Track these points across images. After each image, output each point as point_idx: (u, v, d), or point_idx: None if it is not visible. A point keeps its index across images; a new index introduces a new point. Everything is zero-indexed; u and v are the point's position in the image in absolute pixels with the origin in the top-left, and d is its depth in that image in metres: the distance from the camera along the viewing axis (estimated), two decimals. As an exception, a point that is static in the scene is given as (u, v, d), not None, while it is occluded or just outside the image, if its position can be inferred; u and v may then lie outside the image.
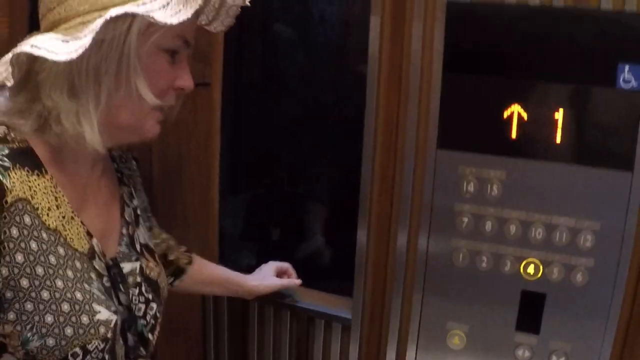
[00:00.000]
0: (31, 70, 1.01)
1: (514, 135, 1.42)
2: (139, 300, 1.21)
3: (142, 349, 1.22)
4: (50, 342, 1.02)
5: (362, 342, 1.67)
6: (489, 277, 1.50)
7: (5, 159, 1.00)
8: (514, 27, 1.39)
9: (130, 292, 1.19)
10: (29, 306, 1.00)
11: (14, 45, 0.97)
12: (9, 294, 0.99)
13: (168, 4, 1.00)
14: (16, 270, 0.99)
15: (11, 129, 1.04)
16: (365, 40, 1.51)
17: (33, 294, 1.00)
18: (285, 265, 1.79)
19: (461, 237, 1.50)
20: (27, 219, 1.01)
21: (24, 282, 0.99)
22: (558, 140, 1.39)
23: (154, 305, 1.24)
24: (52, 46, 0.95)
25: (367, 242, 1.61)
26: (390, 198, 1.55)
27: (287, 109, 1.93)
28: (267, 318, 1.83)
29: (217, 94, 1.71)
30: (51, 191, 1.05)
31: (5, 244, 0.97)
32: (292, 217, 2.01)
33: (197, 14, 1.11)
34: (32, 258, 1.00)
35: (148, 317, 1.23)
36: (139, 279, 1.21)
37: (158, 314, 1.26)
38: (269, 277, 1.74)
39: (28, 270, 1.00)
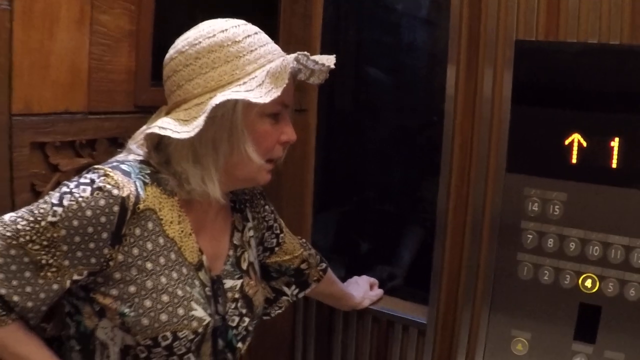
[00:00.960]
0: (162, 141, 1.29)
1: (574, 160, 1.54)
2: (233, 313, 1.43)
3: (229, 354, 1.43)
4: (145, 321, 1.25)
5: (436, 346, 1.81)
6: (550, 289, 1.61)
7: (147, 176, 1.27)
8: (575, 63, 1.53)
9: (228, 305, 1.41)
10: (132, 289, 1.25)
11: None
12: (117, 275, 1.24)
13: (263, 82, 1.24)
14: (130, 260, 1.24)
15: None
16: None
17: (138, 281, 1.25)
18: (373, 279, 2.00)
19: (525, 252, 1.63)
20: (150, 225, 1.26)
21: (133, 271, 1.25)
22: (614, 165, 1.51)
23: (246, 319, 1.46)
24: (175, 126, 1.23)
25: (442, 255, 1.76)
26: (464, 216, 1.71)
27: (374, 134, 2.13)
28: (350, 322, 2.01)
29: (313, 118, 1.92)
30: (177, 210, 1.31)
31: (128, 237, 1.23)
32: (376, 232, 2.19)
33: (293, 77, 1.34)
34: (145, 254, 1.26)
35: (240, 329, 1.44)
36: (237, 295, 1.43)
37: (250, 327, 1.48)
38: (368, 291, 1.97)
39: (139, 262, 1.25)
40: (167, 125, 1.24)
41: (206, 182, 1.29)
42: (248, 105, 1.24)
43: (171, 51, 1.32)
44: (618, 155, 1.51)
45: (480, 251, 1.70)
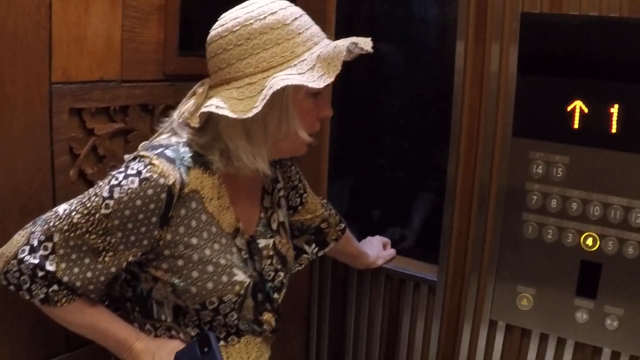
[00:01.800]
0: (211, 118, 1.37)
1: (576, 125, 1.62)
2: (269, 269, 1.55)
3: (268, 304, 1.55)
4: (193, 289, 1.38)
5: (445, 302, 1.91)
6: (553, 247, 1.70)
7: (190, 160, 1.37)
8: (577, 35, 1.60)
9: (264, 262, 1.53)
10: (180, 262, 1.37)
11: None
12: (166, 252, 1.36)
13: (314, 66, 1.31)
14: (177, 238, 1.36)
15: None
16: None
17: (185, 256, 1.37)
18: (386, 239, 2.11)
19: (530, 212, 1.71)
20: (193, 204, 1.37)
21: (181, 247, 1.36)
22: (613, 130, 1.58)
23: (281, 273, 1.58)
24: (231, 105, 1.31)
25: (451, 216, 1.85)
26: (472, 179, 1.80)
27: (388, 104, 2.22)
28: (364, 280, 2.12)
29: (329, 87, 1.98)
30: (217, 187, 1.41)
31: (175, 218, 1.35)
32: (390, 198, 2.29)
33: None
34: (190, 231, 1.37)
35: (276, 282, 1.57)
36: (271, 253, 1.55)
37: (284, 280, 1.60)
38: (381, 251, 2.07)
39: (186, 239, 1.37)
40: (222, 105, 1.31)
41: (257, 158, 1.37)
42: (298, 85, 1.30)
43: (219, 29, 1.36)
44: (617, 121, 1.58)
45: (487, 212, 1.78)
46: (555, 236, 1.70)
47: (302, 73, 1.29)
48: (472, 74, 1.76)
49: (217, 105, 1.31)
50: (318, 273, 2.22)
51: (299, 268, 1.85)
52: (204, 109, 1.33)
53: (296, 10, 1.38)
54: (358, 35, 1.37)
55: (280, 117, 1.35)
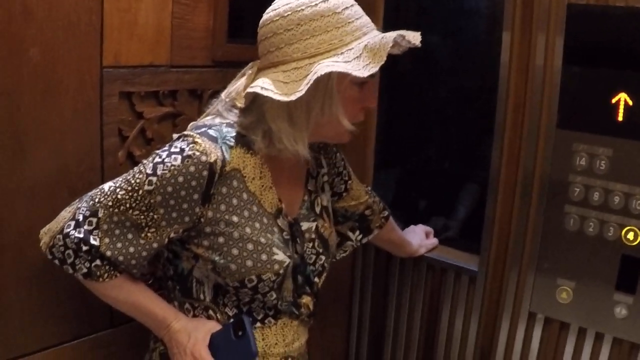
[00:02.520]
0: (256, 99, 1.39)
1: (620, 118, 1.60)
2: (311, 252, 1.57)
3: (307, 287, 1.58)
4: (233, 267, 1.41)
5: (486, 292, 1.91)
6: (594, 241, 1.68)
7: (232, 139, 1.41)
8: (622, 26, 1.58)
9: (305, 245, 1.56)
10: (221, 240, 1.41)
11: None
12: (207, 229, 1.40)
13: (360, 55, 1.32)
14: (218, 215, 1.40)
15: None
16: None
17: (226, 233, 1.40)
18: (429, 228, 2.12)
19: (572, 205, 1.70)
20: (235, 183, 1.41)
21: (222, 224, 1.40)
22: None
23: (322, 257, 1.60)
24: (277, 88, 1.33)
25: (494, 206, 1.85)
26: (516, 170, 1.79)
27: (434, 95, 2.22)
28: (406, 269, 2.14)
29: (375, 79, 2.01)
30: (259, 167, 1.45)
31: (216, 195, 1.39)
32: (434, 188, 2.30)
33: None
34: (231, 209, 1.41)
35: (317, 265, 1.59)
36: (313, 236, 1.58)
37: (326, 264, 1.62)
38: (424, 239, 2.09)
39: (227, 217, 1.40)
40: (268, 86, 1.34)
41: (297, 141, 1.40)
42: (343, 73, 1.32)
43: (271, 13, 1.38)
44: (662, 113, 1.55)
45: (530, 203, 1.78)
46: (596, 229, 1.68)
47: (348, 61, 1.31)
48: (518, 65, 1.75)
49: (262, 86, 1.34)
50: (361, 260, 2.25)
51: (343, 255, 1.88)
52: (249, 90, 1.37)
53: (347, 0, 1.39)
54: (405, 28, 1.38)
55: (324, 103, 1.37)
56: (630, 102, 1.59)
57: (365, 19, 1.41)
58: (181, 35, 1.68)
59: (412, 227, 2.14)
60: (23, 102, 1.43)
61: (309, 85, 1.29)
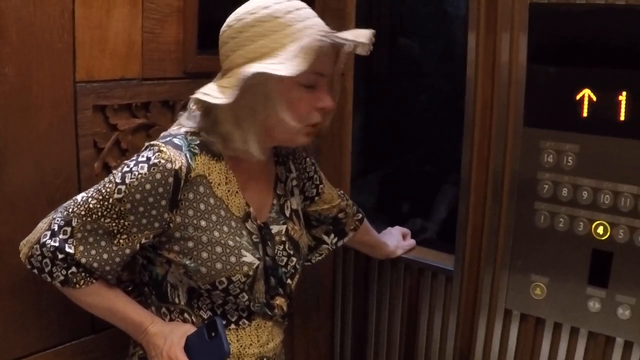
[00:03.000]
0: (209, 105, 1.43)
1: (585, 114, 1.62)
2: (282, 254, 1.61)
3: (280, 289, 1.61)
4: (203, 270, 1.45)
5: (462, 290, 1.94)
6: (565, 236, 1.70)
7: (196, 147, 1.45)
8: (584, 23, 1.60)
9: (276, 247, 1.59)
10: (190, 244, 1.44)
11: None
12: (177, 234, 1.44)
13: (295, 56, 1.35)
14: (186, 220, 1.44)
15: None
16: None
17: (195, 237, 1.44)
18: (406, 229, 2.15)
19: (542, 201, 1.72)
20: (201, 189, 1.45)
21: (190, 229, 1.44)
22: (622, 118, 1.58)
23: (294, 259, 1.63)
24: (218, 92, 1.39)
25: (466, 206, 1.88)
26: (486, 169, 1.82)
27: (410, 97, 2.25)
28: (385, 270, 2.18)
29: (350, 82, 2.05)
30: (224, 172, 1.49)
31: (183, 201, 1.43)
32: (413, 190, 2.33)
33: (335, 49, 1.46)
34: (199, 214, 1.45)
35: (288, 267, 1.62)
36: (284, 238, 1.61)
37: (297, 266, 1.65)
38: (401, 241, 2.12)
39: (195, 221, 1.44)
40: (208, 92, 1.40)
41: (247, 142, 1.44)
42: (282, 75, 1.35)
43: (224, 25, 1.45)
44: (626, 108, 1.57)
45: (500, 201, 1.80)
46: (566, 225, 1.70)
47: (282, 63, 1.34)
48: (484, 65, 1.78)
49: (203, 92, 1.41)
50: (341, 263, 2.28)
51: (320, 258, 1.91)
52: (193, 95, 1.44)
53: (293, 4, 1.43)
54: (378, 31, 1.42)
55: (266, 105, 1.41)
56: (594, 98, 1.62)
57: (313, 21, 1.44)
58: (152, 49, 1.72)
59: (389, 229, 2.17)
60: (0, 118, 1.47)
61: (235, 88, 1.35)
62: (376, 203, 2.35)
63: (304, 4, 1.46)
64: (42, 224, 1.46)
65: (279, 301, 1.60)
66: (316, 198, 1.82)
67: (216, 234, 1.45)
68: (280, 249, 1.60)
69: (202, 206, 1.44)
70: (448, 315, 2.01)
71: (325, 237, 1.89)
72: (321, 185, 1.82)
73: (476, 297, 1.91)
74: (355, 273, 2.26)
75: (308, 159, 1.77)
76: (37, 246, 1.42)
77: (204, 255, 1.44)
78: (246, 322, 1.56)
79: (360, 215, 1.94)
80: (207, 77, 1.57)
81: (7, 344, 1.57)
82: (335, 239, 1.90)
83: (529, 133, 1.73)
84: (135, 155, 1.44)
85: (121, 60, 1.67)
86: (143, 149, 1.45)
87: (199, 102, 1.45)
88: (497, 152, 1.79)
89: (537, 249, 1.76)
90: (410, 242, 2.15)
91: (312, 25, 1.42)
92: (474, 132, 1.82)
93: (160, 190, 1.38)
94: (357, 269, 2.25)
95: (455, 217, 1.94)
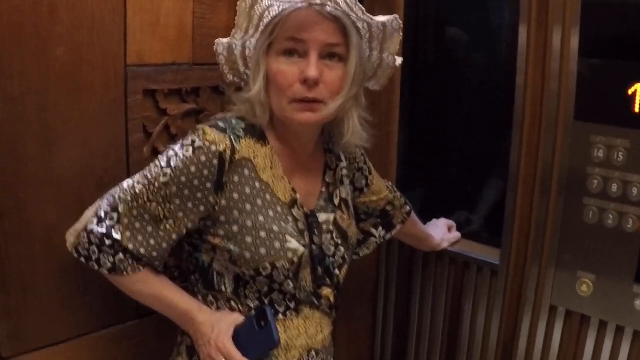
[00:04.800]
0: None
1: (637, 109, 1.59)
2: (330, 243, 1.60)
3: (327, 279, 1.60)
4: (247, 255, 1.45)
5: (507, 285, 1.91)
6: (613, 233, 1.67)
7: (241, 130, 1.47)
8: (637, 17, 1.57)
9: (323, 236, 1.59)
10: (235, 228, 1.45)
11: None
12: (222, 218, 1.45)
13: (253, 25, 1.44)
14: (232, 204, 1.45)
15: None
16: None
17: (240, 221, 1.45)
18: (451, 222, 2.14)
19: (591, 197, 1.70)
20: (246, 172, 1.46)
21: (235, 213, 1.45)
22: None
23: (342, 248, 1.63)
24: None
25: (514, 199, 1.85)
26: (535, 163, 1.80)
27: (458, 89, 2.23)
28: (430, 263, 2.16)
29: (397, 73, 2.06)
30: (269, 157, 1.50)
31: (229, 184, 1.44)
32: (457, 182, 2.31)
33: (322, 15, 1.39)
34: (244, 197, 1.46)
35: (336, 257, 1.62)
36: (331, 227, 1.61)
37: (346, 256, 1.64)
38: (446, 233, 2.11)
39: (240, 205, 1.45)
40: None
41: (256, 112, 1.47)
42: (265, 47, 1.42)
43: None
44: (679, 104, 1.54)
45: (549, 196, 1.78)
46: (615, 221, 1.67)
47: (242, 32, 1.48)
48: (535, 58, 1.76)
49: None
50: (385, 254, 2.27)
51: (367, 252, 1.91)
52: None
53: None
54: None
55: (254, 80, 1.45)
56: (647, 93, 1.58)
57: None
58: (202, 34, 1.73)
59: (434, 221, 2.15)
60: (51, 99, 1.50)
61: (221, 65, 1.56)
62: (422, 194, 2.33)
63: None
64: (88, 212, 1.48)
65: (326, 291, 1.60)
66: (365, 189, 1.81)
67: (261, 218, 1.45)
68: (328, 238, 1.59)
69: (247, 189, 1.45)
70: (492, 309, 1.99)
71: (373, 230, 1.89)
72: (370, 177, 1.81)
73: (521, 292, 1.89)
74: (399, 265, 2.25)
75: (358, 149, 1.75)
76: (84, 233, 1.44)
77: (248, 239, 1.44)
78: (294, 312, 1.55)
79: (408, 208, 1.94)
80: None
81: (53, 326, 1.61)
82: (383, 232, 1.90)
83: (579, 127, 1.70)
84: (181, 139, 1.45)
85: (172, 45, 1.69)
86: (189, 133, 1.46)
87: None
88: (547, 145, 1.76)
89: (584, 245, 1.74)
90: (456, 234, 2.13)
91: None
92: (524, 125, 1.80)
93: (205, 172, 1.40)
94: (401, 261, 2.24)
95: (502, 211, 1.91)
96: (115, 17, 1.57)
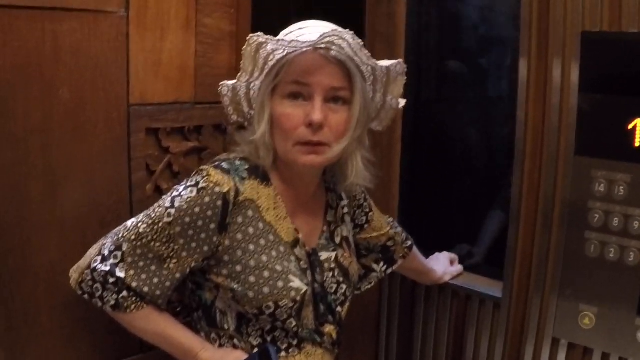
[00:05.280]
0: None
1: (637, 144, 1.60)
2: (331, 281, 1.61)
3: (330, 316, 1.61)
4: (250, 294, 1.46)
5: (510, 318, 1.91)
6: (615, 266, 1.68)
7: (245, 171, 1.48)
8: (637, 52, 1.58)
9: (325, 274, 1.59)
10: (238, 268, 1.46)
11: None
12: (226, 258, 1.46)
13: (258, 69, 1.45)
14: (235, 244, 1.45)
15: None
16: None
17: (243, 261, 1.45)
18: (453, 255, 2.14)
19: (593, 231, 1.70)
20: (250, 212, 1.47)
21: (239, 253, 1.46)
22: None
23: (343, 286, 1.63)
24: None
25: (516, 233, 1.86)
26: (536, 197, 1.80)
27: (459, 122, 2.25)
28: (432, 296, 2.16)
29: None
30: (272, 197, 1.51)
31: (232, 225, 1.45)
32: (459, 215, 2.32)
33: (326, 59, 1.41)
34: (247, 238, 1.46)
35: (338, 294, 1.62)
36: (333, 265, 1.61)
37: (347, 294, 1.65)
38: (448, 267, 2.11)
39: (243, 245, 1.46)
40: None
41: (260, 154, 1.48)
42: (270, 90, 1.43)
43: None
44: (679, 138, 1.55)
45: (551, 230, 1.78)
46: (617, 255, 1.68)
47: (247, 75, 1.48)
48: (535, 92, 1.77)
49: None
50: (387, 288, 2.28)
51: (369, 287, 1.91)
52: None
53: (301, 24, 1.47)
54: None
55: (259, 122, 1.46)
56: (646, 128, 1.59)
57: (298, 33, 1.45)
58: (205, 73, 1.75)
59: (436, 254, 2.16)
60: (54, 139, 1.51)
61: (226, 107, 1.55)
62: (424, 227, 2.34)
63: (314, 23, 1.47)
64: (92, 250, 1.49)
65: (329, 329, 1.60)
66: (366, 226, 1.82)
67: (264, 258, 1.46)
68: (330, 276, 1.60)
69: (250, 230, 1.46)
70: (494, 342, 1.99)
71: (374, 266, 1.89)
72: (371, 213, 1.82)
73: (524, 324, 1.89)
74: (402, 298, 2.25)
75: (358, 187, 1.75)
76: (88, 271, 1.44)
77: (252, 279, 1.45)
78: (296, 350, 1.55)
79: (410, 243, 1.94)
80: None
81: (56, 361, 1.60)
82: (385, 267, 1.90)
83: (580, 162, 1.71)
84: (185, 180, 1.47)
85: (174, 84, 1.71)
86: (193, 174, 1.47)
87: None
88: (548, 179, 1.77)
89: (586, 279, 1.74)
90: (458, 267, 2.14)
91: (293, 39, 1.42)
92: (525, 158, 1.81)
93: (209, 213, 1.40)
94: (403, 294, 2.24)
95: (503, 243, 1.92)
96: (118, 58, 1.58)
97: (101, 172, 1.61)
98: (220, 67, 1.78)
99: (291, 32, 1.46)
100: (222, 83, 1.53)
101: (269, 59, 1.42)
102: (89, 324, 1.64)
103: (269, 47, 1.41)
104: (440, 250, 2.19)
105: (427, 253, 2.13)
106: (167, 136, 1.72)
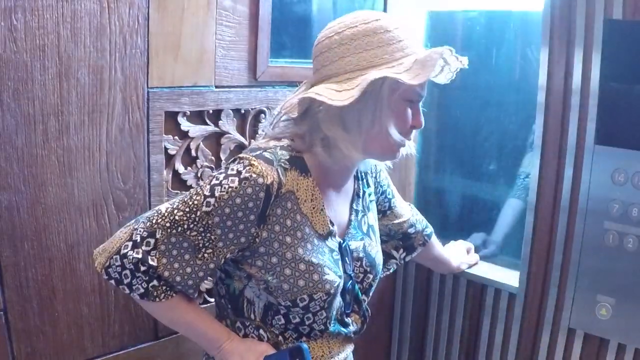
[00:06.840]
0: (310, 109, 1.44)
1: None
2: (359, 271, 1.59)
3: (355, 305, 1.60)
4: (285, 286, 1.43)
5: (525, 309, 1.92)
6: (634, 257, 1.67)
7: (287, 162, 1.44)
8: None
9: (353, 264, 1.58)
10: (274, 259, 1.43)
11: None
12: (262, 249, 1.42)
13: (410, 68, 1.35)
14: (272, 235, 1.42)
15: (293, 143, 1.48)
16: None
17: (279, 253, 1.42)
18: (470, 244, 2.13)
19: (612, 221, 1.70)
20: (289, 204, 1.43)
21: (275, 244, 1.42)
22: None
23: (370, 275, 1.61)
24: (330, 94, 1.36)
25: (534, 223, 1.85)
26: (556, 186, 1.80)
27: (478, 110, 2.23)
28: (446, 285, 2.16)
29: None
30: (311, 189, 1.47)
31: (271, 217, 1.41)
32: (476, 204, 2.31)
33: None
34: (285, 230, 1.42)
35: (364, 283, 1.61)
36: (361, 255, 1.59)
37: (373, 282, 1.63)
38: (465, 256, 2.10)
39: (280, 237, 1.42)
40: (322, 92, 1.37)
41: (352, 147, 1.42)
42: (393, 87, 1.37)
43: (327, 31, 1.43)
44: (702, 129, 1.54)
45: (569, 219, 1.78)
46: (636, 245, 1.67)
47: (399, 73, 1.34)
48: (556, 81, 1.76)
49: (316, 92, 1.37)
50: (402, 276, 2.27)
51: (387, 273, 1.90)
52: (304, 95, 1.41)
53: (398, 21, 1.43)
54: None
55: (374, 113, 1.40)
56: (670, 118, 1.58)
57: (414, 40, 1.44)
58: (224, 56, 1.74)
59: (452, 243, 2.15)
60: (72, 121, 1.50)
61: (361, 89, 1.32)
62: (440, 216, 2.33)
63: (403, 22, 1.45)
64: (121, 234, 1.43)
65: (355, 318, 1.60)
66: (388, 212, 1.81)
67: (300, 250, 1.44)
68: (357, 265, 1.58)
69: (288, 222, 1.43)
70: (509, 333, 1.99)
71: (394, 252, 1.88)
72: (393, 199, 1.81)
73: (540, 314, 1.89)
74: (416, 286, 2.25)
75: (381, 172, 1.75)
76: (117, 257, 1.39)
77: (287, 271, 1.43)
78: (318, 334, 1.54)
79: (429, 231, 1.93)
80: (278, 85, 1.57)
81: (71, 347, 1.61)
82: (404, 254, 1.90)
83: (600, 151, 1.70)
84: (224, 167, 1.42)
85: (194, 67, 1.69)
86: (231, 161, 1.44)
87: (303, 102, 1.44)
88: (568, 169, 1.77)
89: (604, 269, 1.73)
90: (474, 257, 2.13)
91: (415, 43, 1.43)
92: (545, 148, 1.80)
93: (251, 204, 1.37)
94: (417, 282, 2.24)
95: (520, 233, 1.91)
96: (137, 40, 1.57)
97: (118, 155, 1.59)
98: (240, 50, 1.77)
99: (405, 37, 1.43)
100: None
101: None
102: (104, 310, 1.63)
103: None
104: (457, 239, 2.18)
105: (444, 242, 2.11)
106: (186, 120, 1.71)
